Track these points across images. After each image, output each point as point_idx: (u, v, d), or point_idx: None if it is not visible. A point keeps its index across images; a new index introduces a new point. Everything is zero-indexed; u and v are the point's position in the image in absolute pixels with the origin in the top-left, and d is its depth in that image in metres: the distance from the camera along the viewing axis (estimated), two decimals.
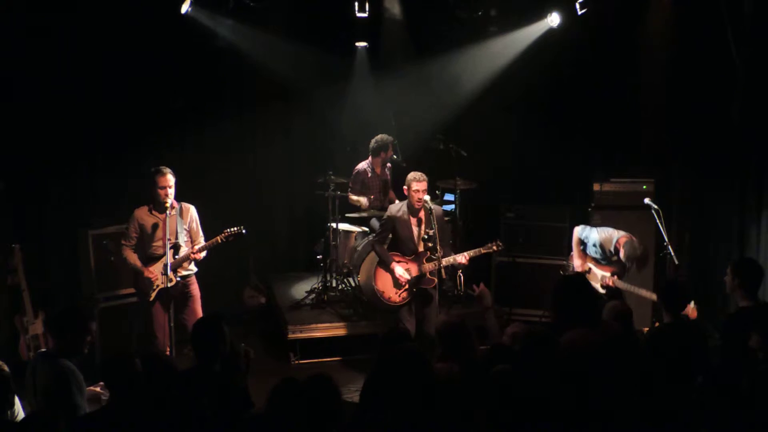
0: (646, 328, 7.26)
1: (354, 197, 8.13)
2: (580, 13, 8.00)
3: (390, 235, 6.79)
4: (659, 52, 8.21)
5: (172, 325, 6.23)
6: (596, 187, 7.99)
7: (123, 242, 6.52)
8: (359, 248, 7.86)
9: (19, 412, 4.47)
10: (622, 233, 6.64)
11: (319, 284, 8.16)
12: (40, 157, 7.44)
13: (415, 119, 8.87)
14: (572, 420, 3.81)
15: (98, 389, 5.76)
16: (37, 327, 6.73)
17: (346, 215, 8.15)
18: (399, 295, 6.69)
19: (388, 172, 8.33)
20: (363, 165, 8.20)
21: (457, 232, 8.14)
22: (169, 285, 6.25)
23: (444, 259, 6.53)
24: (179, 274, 6.38)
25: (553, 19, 8.30)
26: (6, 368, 4.33)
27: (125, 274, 6.95)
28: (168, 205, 6.34)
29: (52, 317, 4.92)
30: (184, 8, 7.56)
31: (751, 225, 7.49)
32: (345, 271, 8.10)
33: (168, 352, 6.17)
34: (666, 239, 6.77)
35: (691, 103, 7.96)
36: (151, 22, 7.60)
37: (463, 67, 8.84)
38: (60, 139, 7.52)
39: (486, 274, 8.36)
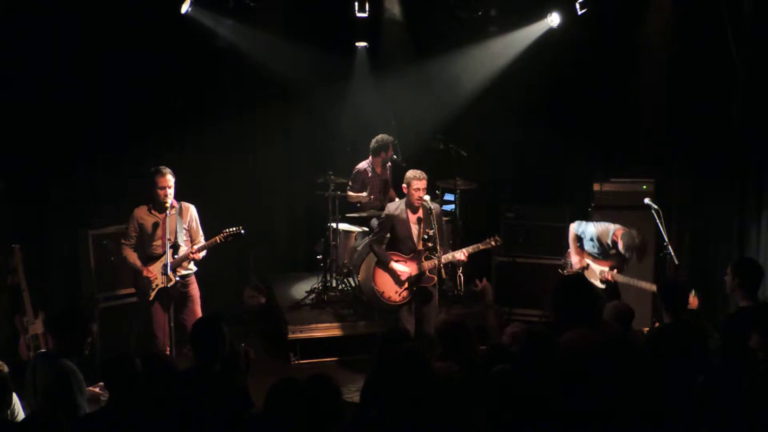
0: (646, 328, 7.26)
1: (352, 194, 8.13)
2: (580, 13, 8.00)
3: (388, 235, 6.78)
4: (659, 52, 8.21)
5: (171, 324, 6.23)
6: (596, 187, 7.99)
7: (123, 241, 6.52)
8: (359, 248, 7.86)
9: (19, 412, 4.47)
10: (618, 226, 6.66)
11: (319, 284, 8.16)
12: (40, 157, 7.44)
13: (415, 119, 8.87)
14: (572, 420, 3.81)
15: (97, 390, 5.75)
16: (37, 327, 6.73)
17: (347, 215, 8.16)
18: (399, 295, 6.69)
19: (388, 172, 8.33)
20: (363, 164, 8.21)
21: (457, 232, 8.14)
22: (168, 285, 6.25)
23: (443, 257, 6.52)
24: (178, 274, 6.38)
25: (553, 19, 8.30)
26: (5, 368, 4.33)
27: (125, 274, 6.95)
28: (168, 205, 6.34)
29: (53, 317, 4.92)
30: (184, 8, 7.56)
31: (751, 225, 7.49)
32: (345, 271, 8.10)
33: (168, 352, 6.17)
34: (666, 239, 6.77)
35: (691, 103, 7.95)
36: (151, 22, 7.60)
37: (463, 67, 8.84)
38: (60, 138, 7.52)
39: (486, 274, 8.36)
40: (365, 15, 8.21)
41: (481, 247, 6.72)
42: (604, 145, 8.58)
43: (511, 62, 8.62)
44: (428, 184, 6.67)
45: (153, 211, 6.46)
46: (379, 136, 8.15)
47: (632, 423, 4.01)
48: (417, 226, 6.70)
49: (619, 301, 5.47)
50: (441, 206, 7.82)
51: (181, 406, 4.03)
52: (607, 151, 8.60)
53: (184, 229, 6.49)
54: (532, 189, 8.83)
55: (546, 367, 3.93)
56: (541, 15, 8.38)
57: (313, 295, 8.14)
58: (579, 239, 6.91)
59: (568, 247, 7.02)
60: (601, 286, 6.67)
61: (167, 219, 6.33)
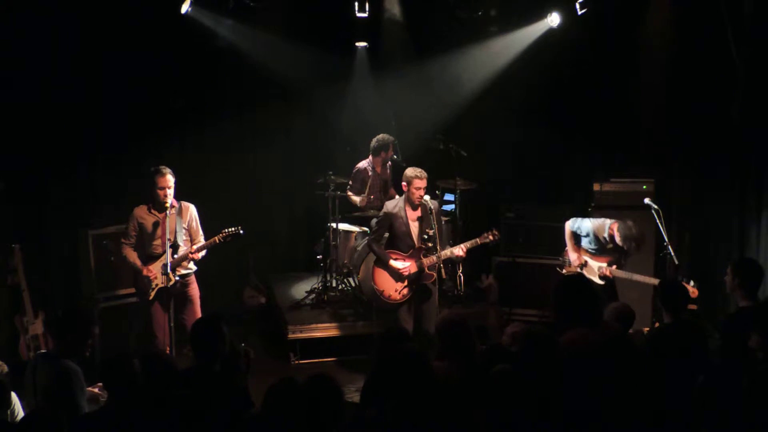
0: (646, 328, 7.26)
1: (353, 196, 8.13)
2: (580, 13, 8.00)
3: (387, 234, 6.76)
4: (659, 52, 8.20)
5: (172, 324, 6.23)
6: (596, 187, 7.99)
7: (123, 240, 6.52)
8: (359, 248, 7.86)
9: (19, 412, 4.47)
10: (613, 220, 6.66)
11: (319, 284, 8.16)
12: (40, 157, 7.44)
13: (415, 119, 8.87)
14: (572, 420, 3.81)
15: (97, 390, 5.75)
16: (37, 327, 6.73)
17: (347, 215, 8.16)
18: (399, 293, 6.68)
19: (388, 171, 8.33)
20: (363, 164, 8.21)
21: (457, 232, 8.14)
22: (168, 285, 6.25)
23: (442, 253, 6.51)
24: (178, 273, 6.38)
25: (553, 19, 8.30)
26: (5, 368, 4.33)
27: (125, 274, 6.95)
28: (168, 205, 6.34)
29: (55, 318, 4.93)
30: (184, 8, 7.56)
31: (751, 225, 7.49)
32: (345, 271, 8.10)
33: (168, 352, 6.17)
34: (666, 239, 6.77)
35: (691, 103, 7.96)
36: (151, 22, 7.60)
37: (463, 67, 8.84)
38: (60, 138, 7.52)
39: (486, 274, 8.36)
40: (365, 15, 8.20)
41: (479, 242, 6.70)
42: (604, 145, 8.57)
43: (511, 62, 8.62)
44: (428, 184, 6.66)
45: (153, 211, 6.46)
46: (380, 136, 8.15)
47: (632, 423, 4.01)
48: (415, 224, 6.68)
49: (620, 303, 5.47)
50: (441, 206, 7.82)
51: (181, 406, 4.03)
52: (607, 151, 8.60)
53: (184, 228, 6.49)
54: (532, 189, 8.83)
55: (546, 367, 3.93)
56: (541, 15, 8.37)
57: (313, 295, 8.14)
58: (575, 236, 6.92)
59: (566, 245, 7.02)
60: (600, 282, 6.67)
61: (167, 219, 6.33)
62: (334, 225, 7.96)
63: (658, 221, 6.80)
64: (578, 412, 3.86)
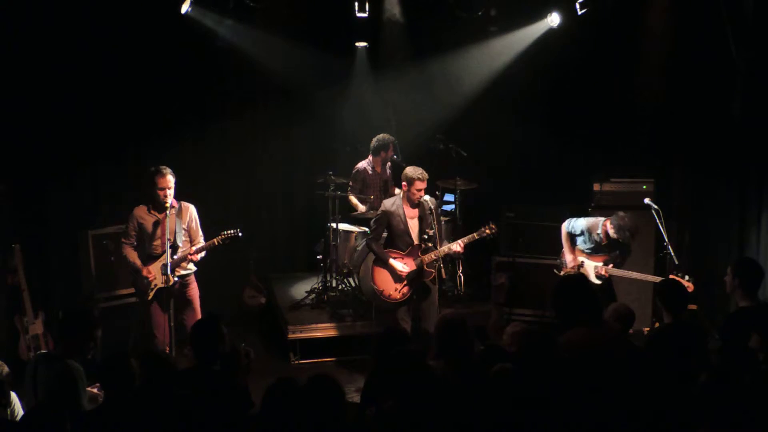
0: (647, 328, 7.26)
1: (354, 201, 8.13)
2: (580, 13, 8.00)
3: (385, 233, 6.75)
4: (659, 52, 8.20)
5: (172, 324, 6.23)
6: (596, 187, 7.99)
7: (123, 240, 6.52)
8: (359, 248, 7.85)
9: (19, 411, 4.47)
10: (606, 218, 6.67)
11: (319, 284, 8.16)
12: (40, 156, 7.43)
13: (415, 119, 8.87)
14: (572, 420, 3.81)
15: (95, 390, 5.76)
16: (37, 327, 6.73)
17: (348, 215, 8.16)
18: (399, 292, 6.67)
19: (388, 171, 8.33)
20: (363, 164, 8.21)
21: (457, 233, 8.13)
22: (167, 285, 6.24)
23: (440, 249, 6.50)
24: (177, 274, 6.38)
25: (553, 19, 8.30)
26: (5, 368, 4.33)
27: (125, 274, 6.96)
28: (167, 205, 6.34)
29: (59, 319, 4.92)
30: (184, 8, 7.56)
31: (751, 225, 7.49)
32: (345, 271, 8.10)
33: (168, 352, 6.17)
34: (666, 239, 6.78)
35: (691, 103, 7.96)
36: (151, 22, 7.60)
37: (463, 67, 8.84)
38: (60, 138, 7.52)
39: (486, 274, 8.36)
40: (365, 15, 8.21)
41: (476, 236, 6.67)
42: (604, 145, 8.57)
43: (511, 62, 8.63)
44: (428, 184, 6.66)
45: (153, 211, 6.45)
46: (380, 136, 8.15)
47: (632, 423, 4.01)
48: (414, 222, 6.66)
49: (620, 303, 5.48)
50: (441, 206, 7.82)
51: (181, 406, 4.03)
52: (607, 151, 8.60)
53: (183, 229, 6.48)
54: (532, 189, 8.83)
55: (545, 367, 3.93)
56: (541, 15, 8.38)
57: (313, 295, 8.14)
58: (571, 237, 6.92)
59: (563, 247, 7.03)
60: (597, 282, 6.67)
61: (167, 219, 6.33)
62: (334, 225, 7.96)
63: (658, 221, 6.81)
64: (578, 412, 3.86)
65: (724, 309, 7.10)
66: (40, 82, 7.33)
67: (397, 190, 7.05)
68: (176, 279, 6.34)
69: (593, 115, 8.56)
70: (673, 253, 6.71)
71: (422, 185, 6.53)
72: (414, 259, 6.64)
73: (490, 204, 8.64)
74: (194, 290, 6.61)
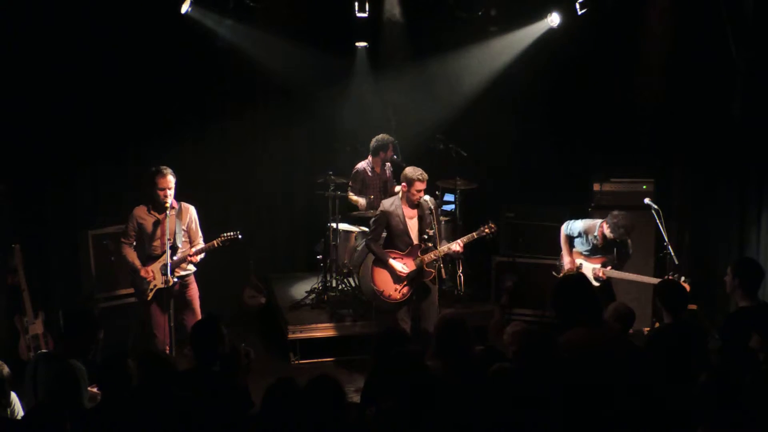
0: (647, 328, 7.26)
1: (353, 197, 8.13)
2: (580, 13, 8.00)
3: (384, 233, 6.75)
4: (659, 52, 8.20)
5: (172, 324, 6.23)
6: (596, 187, 7.99)
7: (122, 240, 6.52)
8: (359, 248, 7.85)
9: (19, 411, 4.47)
10: (602, 220, 6.67)
11: (319, 284, 8.16)
12: (40, 156, 7.43)
13: (415, 119, 8.87)
14: (571, 420, 3.81)
15: (95, 389, 5.77)
16: (37, 327, 6.73)
17: (348, 215, 8.15)
18: (399, 292, 6.66)
19: (388, 171, 8.33)
20: (363, 164, 8.21)
21: (457, 233, 8.13)
22: (167, 286, 6.24)
23: (440, 249, 6.50)
24: (177, 275, 6.37)
25: (553, 19, 8.30)
26: (5, 368, 4.33)
27: (125, 274, 6.95)
28: (167, 205, 6.34)
29: (62, 319, 4.93)
30: (184, 8, 7.56)
31: (751, 225, 7.49)
32: (345, 271, 8.09)
33: (168, 352, 6.17)
34: (666, 239, 6.77)
35: (691, 103, 7.95)
36: (151, 22, 7.60)
37: (463, 67, 8.84)
38: (60, 138, 7.52)
39: (486, 274, 8.37)
40: (365, 15, 8.20)
41: (476, 236, 6.66)
42: (604, 145, 8.57)
43: (512, 62, 8.62)
44: (428, 185, 6.66)
45: (152, 212, 6.45)
46: (379, 136, 8.15)
47: (632, 423, 4.01)
48: (413, 222, 6.65)
49: (620, 303, 5.47)
50: (440, 206, 7.81)
51: (181, 406, 4.03)
52: (607, 151, 8.59)
53: (183, 230, 6.48)
54: (532, 189, 8.82)
55: (545, 367, 3.93)
56: (541, 15, 8.37)
57: (313, 295, 8.14)
58: (569, 239, 6.91)
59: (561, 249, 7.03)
60: (596, 284, 6.67)
61: (167, 219, 6.33)
62: (334, 225, 7.96)
63: (658, 221, 6.80)
64: (578, 412, 3.86)
65: (724, 309, 7.10)
66: (40, 82, 7.33)
67: (397, 188, 7.04)
68: (176, 280, 6.33)
69: (593, 115, 8.56)
70: (673, 253, 6.71)
71: (422, 186, 6.52)
72: (414, 259, 6.64)
73: (490, 204, 8.64)
74: (194, 290, 6.60)
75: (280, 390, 3.73)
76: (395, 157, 8.23)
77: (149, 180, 6.36)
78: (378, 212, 6.76)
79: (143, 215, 6.45)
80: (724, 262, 6.45)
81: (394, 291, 6.67)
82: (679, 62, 8.02)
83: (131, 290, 6.86)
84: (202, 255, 6.49)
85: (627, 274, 6.69)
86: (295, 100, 8.87)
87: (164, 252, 6.24)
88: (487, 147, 8.77)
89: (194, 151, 8.37)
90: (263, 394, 3.77)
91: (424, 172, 6.54)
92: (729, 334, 4.99)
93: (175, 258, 6.32)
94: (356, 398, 4.97)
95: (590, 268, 6.73)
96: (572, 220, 6.94)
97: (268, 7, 7.94)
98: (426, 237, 6.57)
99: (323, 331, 7.58)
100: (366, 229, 8.01)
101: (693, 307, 6.59)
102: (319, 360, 7.41)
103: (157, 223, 6.41)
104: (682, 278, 6.20)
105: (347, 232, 8.12)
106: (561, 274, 6.89)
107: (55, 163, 7.55)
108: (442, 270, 6.68)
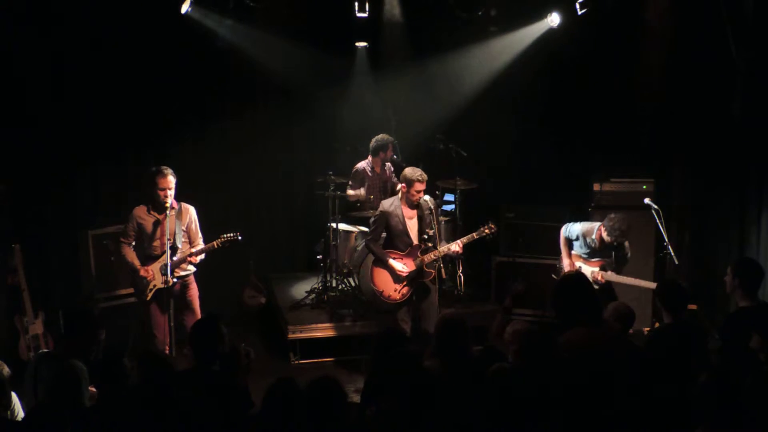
0: (647, 328, 7.26)
1: (350, 192, 8.13)
2: (580, 13, 7.99)
3: (384, 233, 6.74)
4: (659, 52, 8.20)
5: (171, 324, 6.23)
6: (596, 187, 7.99)
7: (122, 239, 6.52)
8: (359, 248, 7.86)
9: (19, 412, 4.47)
10: (600, 222, 6.66)
11: (319, 284, 8.16)
12: (40, 156, 7.44)
13: (415, 119, 8.87)
14: (571, 420, 3.81)
15: (94, 389, 5.77)
16: (37, 327, 6.73)
17: (347, 215, 8.15)
18: (398, 292, 6.66)
19: (387, 172, 8.33)
20: (363, 164, 8.21)
21: (457, 233, 8.14)
22: (167, 286, 6.24)
23: (439, 249, 6.50)
24: (176, 275, 6.37)
25: (553, 19, 8.30)
26: (5, 368, 4.33)
27: (125, 274, 6.95)
28: (167, 206, 6.34)
29: (63, 319, 4.93)
30: (184, 8, 7.56)
31: (751, 225, 7.49)
32: (345, 271, 8.10)
33: (168, 352, 6.18)
34: (666, 239, 6.77)
35: (691, 103, 7.95)
36: (151, 22, 7.60)
37: (463, 67, 8.84)
38: (60, 138, 7.52)
39: (486, 274, 8.37)
40: (365, 15, 8.20)
41: (476, 236, 6.66)
42: (604, 145, 8.57)
43: (512, 62, 8.62)
44: (428, 185, 6.66)
45: (152, 212, 6.45)
46: (379, 136, 8.15)
47: (632, 423, 4.01)
48: (413, 222, 6.65)
49: (620, 302, 5.47)
50: (440, 206, 7.80)
51: (181, 406, 4.03)
52: (607, 151, 8.59)
53: (183, 231, 6.48)
54: (532, 189, 8.82)
55: (545, 367, 3.93)
56: (541, 15, 8.37)
57: (313, 295, 8.14)
58: (568, 242, 6.90)
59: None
60: (595, 287, 6.66)
61: (167, 220, 6.33)
62: (334, 225, 7.96)
63: (658, 221, 6.80)
64: (578, 412, 3.86)
65: (724, 309, 7.10)
66: (40, 82, 7.33)
67: (393, 196, 7.05)
68: (175, 280, 6.33)
69: (593, 115, 8.55)
70: (673, 254, 6.71)
71: (421, 187, 6.52)
72: (413, 260, 6.64)
73: (490, 204, 8.64)
74: (194, 290, 6.60)
75: (280, 390, 3.73)
76: (395, 157, 8.23)
77: (149, 180, 6.36)
78: (377, 212, 6.76)
79: (143, 215, 6.45)
80: (724, 262, 6.44)
81: (393, 291, 6.66)
82: (679, 62, 8.02)
83: (131, 290, 6.86)
84: (202, 256, 6.49)
85: (625, 278, 6.68)
86: (295, 100, 8.87)
87: (164, 252, 6.24)
88: (487, 147, 8.77)
89: (194, 151, 8.37)
90: (263, 394, 3.76)
91: (423, 173, 6.54)
92: (729, 334, 4.98)
93: (174, 258, 6.32)
94: (356, 398, 4.97)
95: (589, 271, 6.72)
96: (571, 223, 6.93)
97: (268, 7, 7.94)
98: (426, 237, 6.57)
99: (323, 331, 7.58)
100: (366, 229, 8.02)
101: (693, 307, 6.58)
102: (319, 360, 7.41)
103: (157, 224, 6.41)
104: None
105: (347, 232, 8.12)
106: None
107: (55, 163, 7.55)
108: (442, 270, 6.67)
